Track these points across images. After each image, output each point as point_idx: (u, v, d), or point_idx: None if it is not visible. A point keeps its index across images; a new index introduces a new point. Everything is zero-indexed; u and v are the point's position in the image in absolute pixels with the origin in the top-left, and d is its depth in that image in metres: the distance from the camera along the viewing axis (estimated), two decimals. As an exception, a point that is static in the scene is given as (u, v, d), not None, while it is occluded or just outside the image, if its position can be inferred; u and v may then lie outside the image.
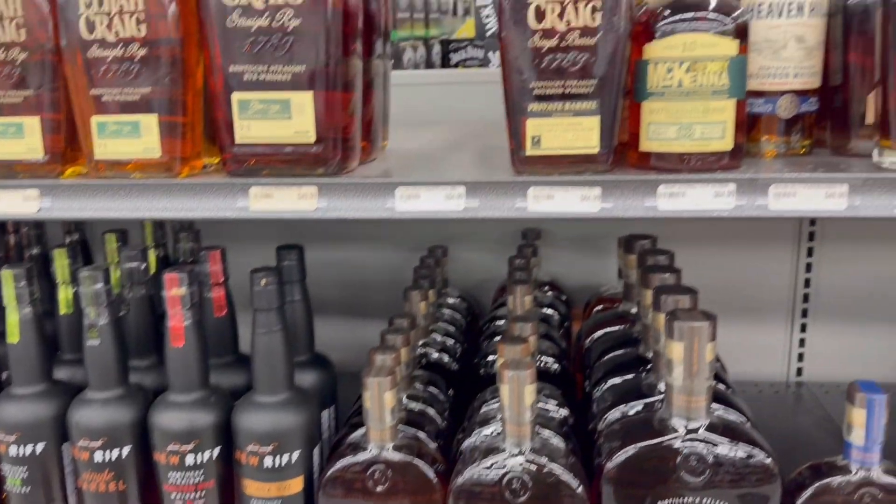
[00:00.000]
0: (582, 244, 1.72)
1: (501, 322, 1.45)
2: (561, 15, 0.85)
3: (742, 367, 1.67)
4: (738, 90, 0.87)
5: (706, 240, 1.63)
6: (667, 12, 0.86)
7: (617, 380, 1.16)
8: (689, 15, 0.85)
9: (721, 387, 1.15)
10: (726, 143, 0.88)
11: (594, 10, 0.84)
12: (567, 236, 1.70)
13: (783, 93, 0.97)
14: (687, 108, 0.86)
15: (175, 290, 0.99)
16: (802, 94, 0.97)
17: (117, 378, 1.05)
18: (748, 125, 0.99)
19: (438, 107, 1.71)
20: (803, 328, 1.71)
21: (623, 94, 0.89)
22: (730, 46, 0.85)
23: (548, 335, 1.39)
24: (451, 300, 1.60)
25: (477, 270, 1.75)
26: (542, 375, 1.21)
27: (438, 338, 1.41)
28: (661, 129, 0.88)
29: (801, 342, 1.73)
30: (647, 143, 0.90)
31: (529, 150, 0.90)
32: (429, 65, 2.45)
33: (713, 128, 0.87)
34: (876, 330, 1.67)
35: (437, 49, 2.48)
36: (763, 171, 0.89)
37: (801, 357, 1.73)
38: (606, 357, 1.25)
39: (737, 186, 0.85)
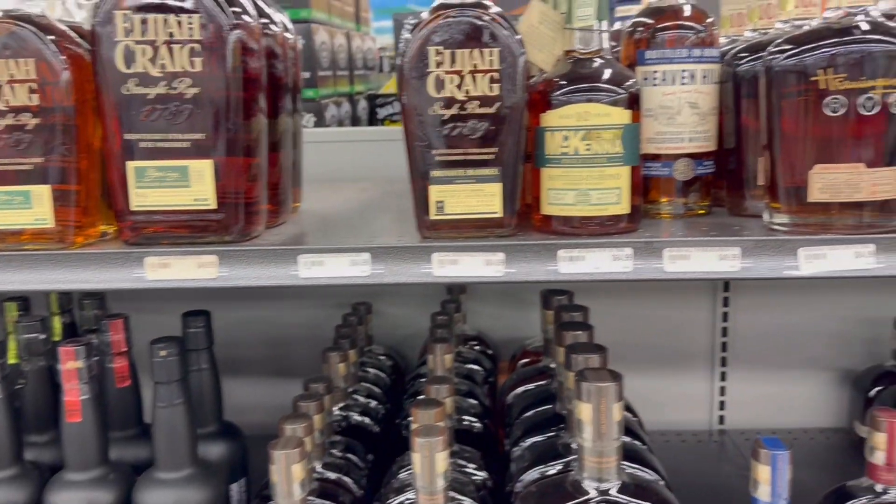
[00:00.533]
0: (507, 297, 1.72)
1: (425, 380, 1.43)
2: (460, 85, 0.86)
3: (667, 417, 1.69)
4: (633, 157, 0.89)
5: (627, 290, 1.65)
6: (562, 83, 0.88)
7: (535, 438, 1.15)
8: (584, 86, 0.88)
9: (637, 443, 1.15)
10: (623, 207, 0.89)
11: (492, 80, 0.86)
12: (492, 289, 1.70)
13: (679, 156, 1.00)
14: (583, 174, 0.88)
15: (70, 363, 0.95)
16: (698, 158, 1.00)
17: (9, 456, 1.00)
18: (647, 187, 1.02)
19: (362, 163, 1.71)
20: (723, 376, 1.74)
21: (524, 160, 0.91)
22: (622, 115, 0.87)
23: (471, 392, 1.38)
24: (375, 358, 1.59)
25: (403, 326, 1.73)
26: (463, 436, 1.20)
27: (361, 399, 1.38)
28: (560, 195, 0.89)
29: (722, 390, 1.75)
30: (548, 208, 0.91)
31: (434, 215, 0.90)
32: (354, 121, 2.47)
33: (609, 193, 0.88)
34: (793, 375, 1.71)
35: (363, 104, 2.50)
36: (661, 233, 0.91)
37: (722, 405, 1.76)
38: (526, 414, 1.24)
39: (633, 250, 0.87)
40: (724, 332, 1.72)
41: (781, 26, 0.94)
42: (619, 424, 0.89)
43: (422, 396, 1.07)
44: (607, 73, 0.89)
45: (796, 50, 0.84)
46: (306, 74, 2.18)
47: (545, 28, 0.94)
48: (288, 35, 1.09)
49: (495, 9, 0.87)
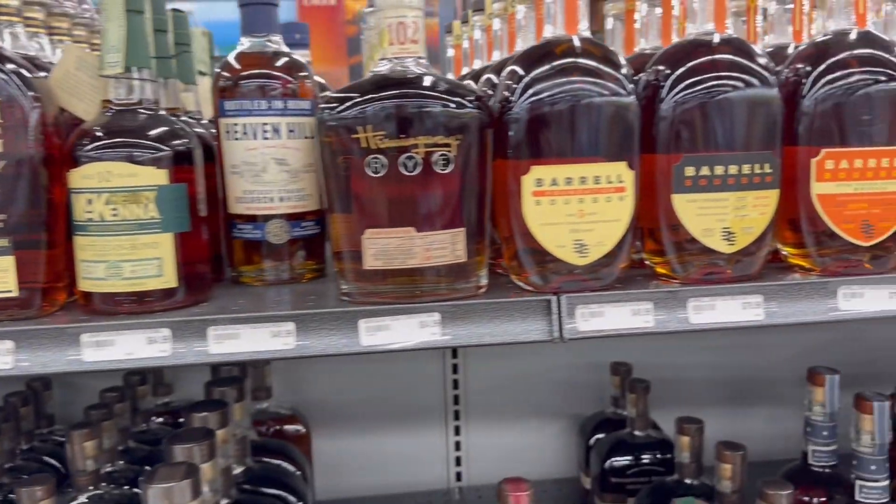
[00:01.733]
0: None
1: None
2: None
3: (405, 478, 1.59)
4: (177, 222, 0.78)
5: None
6: (85, 139, 0.76)
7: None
8: (108, 141, 0.76)
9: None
10: (166, 280, 0.78)
11: (-5, 136, 0.73)
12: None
13: (271, 217, 0.90)
14: (112, 243, 0.76)
15: None
16: (294, 219, 0.91)
17: None
18: (247, 252, 0.92)
19: None
20: (457, 431, 1.67)
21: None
22: (154, 175, 0.76)
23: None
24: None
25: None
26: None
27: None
28: (91, 268, 0.77)
29: (458, 445, 1.68)
30: (83, 283, 0.78)
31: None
32: None
33: (146, 265, 0.77)
34: (528, 425, 1.66)
35: None
36: (252, 304, 0.81)
37: (458, 461, 1.68)
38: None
39: (171, 331, 0.75)
40: (456, 384, 1.65)
41: (383, 66, 0.83)
42: None
43: None
44: (147, 127, 0.78)
45: (341, 104, 0.76)
46: None
47: (84, 74, 0.82)
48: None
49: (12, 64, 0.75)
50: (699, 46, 0.82)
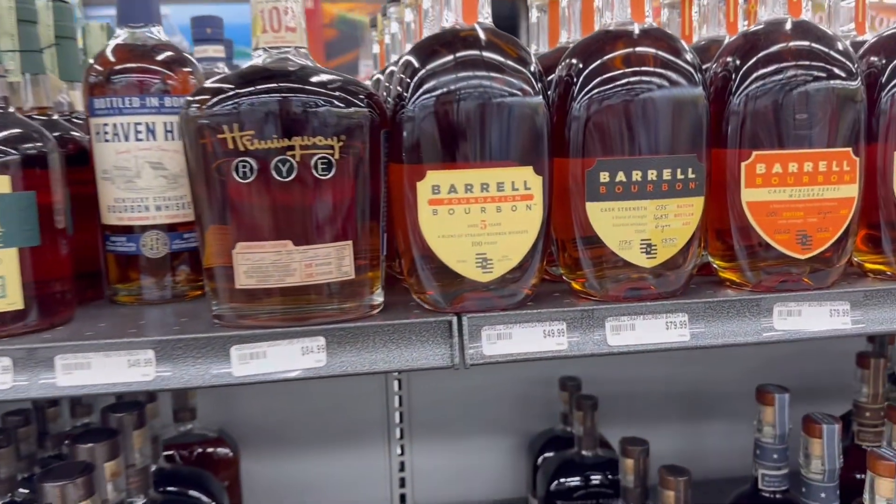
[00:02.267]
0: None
1: None
2: None
3: (345, 502, 1.50)
4: (24, 236, 0.69)
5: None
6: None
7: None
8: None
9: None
10: (11, 302, 0.68)
11: None
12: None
13: (146, 228, 0.81)
14: (-58, 261, 0.66)
15: None
16: (173, 230, 0.81)
17: None
18: (123, 267, 0.82)
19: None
20: (401, 450, 1.58)
21: None
22: (-8, 183, 0.67)
23: None
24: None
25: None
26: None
27: None
28: (-78, 288, 0.67)
29: (402, 466, 1.59)
30: (-86, 306, 0.68)
31: None
32: None
33: (-16, 285, 0.67)
34: (477, 443, 1.57)
35: None
36: (115, 327, 0.72)
37: (402, 482, 1.59)
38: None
39: (12, 361, 0.66)
40: (400, 400, 1.56)
41: (258, 58, 0.72)
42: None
43: None
44: (-8, 130, 0.69)
45: (208, 99, 0.67)
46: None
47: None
48: None
49: None
50: (617, 38, 0.74)
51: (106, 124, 0.80)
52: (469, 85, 0.69)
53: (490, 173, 0.70)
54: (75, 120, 0.92)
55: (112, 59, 0.81)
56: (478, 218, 0.70)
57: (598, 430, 1.24)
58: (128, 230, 0.81)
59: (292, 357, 0.69)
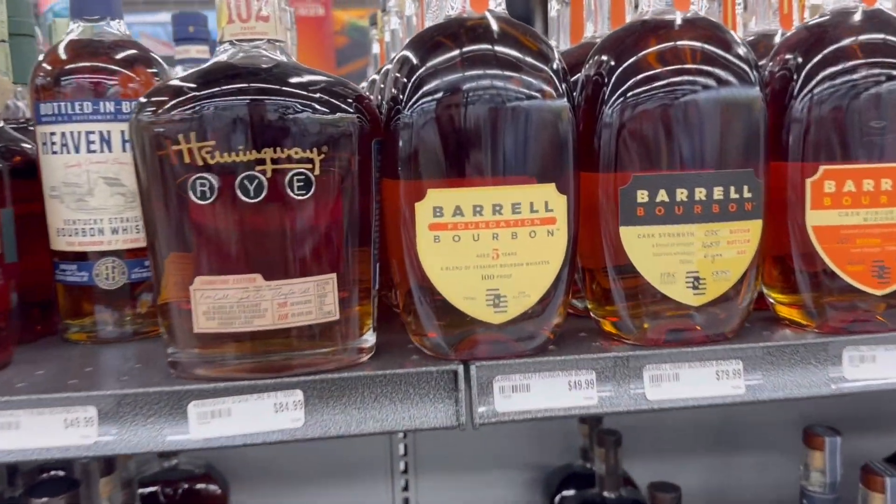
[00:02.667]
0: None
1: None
2: None
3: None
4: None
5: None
6: None
7: None
8: None
9: None
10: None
11: None
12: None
13: (101, 255, 0.69)
14: None
15: None
16: (132, 256, 0.70)
17: None
18: (76, 299, 0.71)
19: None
20: (405, 486, 1.46)
21: None
22: None
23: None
24: None
25: None
26: None
27: None
28: None
29: (406, 502, 1.47)
30: None
31: None
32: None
33: None
34: (486, 480, 1.45)
35: None
36: (56, 374, 0.60)
37: (405, 521, 1.47)
38: None
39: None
40: (405, 431, 1.44)
41: (224, 53, 0.59)
42: None
43: None
44: None
45: (162, 102, 0.55)
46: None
47: None
48: None
49: None
50: (655, 29, 0.62)
51: (53, 133, 0.68)
52: (478, 86, 0.57)
53: (504, 192, 0.58)
54: (30, 128, 0.81)
55: (63, 57, 0.70)
56: (489, 246, 0.58)
57: (622, 466, 1.12)
58: (79, 257, 0.69)
59: (263, 415, 0.57)
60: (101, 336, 0.71)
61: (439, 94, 0.57)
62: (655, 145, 0.60)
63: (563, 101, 0.59)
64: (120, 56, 0.70)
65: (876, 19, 0.64)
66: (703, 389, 0.61)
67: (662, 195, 0.60)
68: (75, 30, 0.71)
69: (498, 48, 0.58)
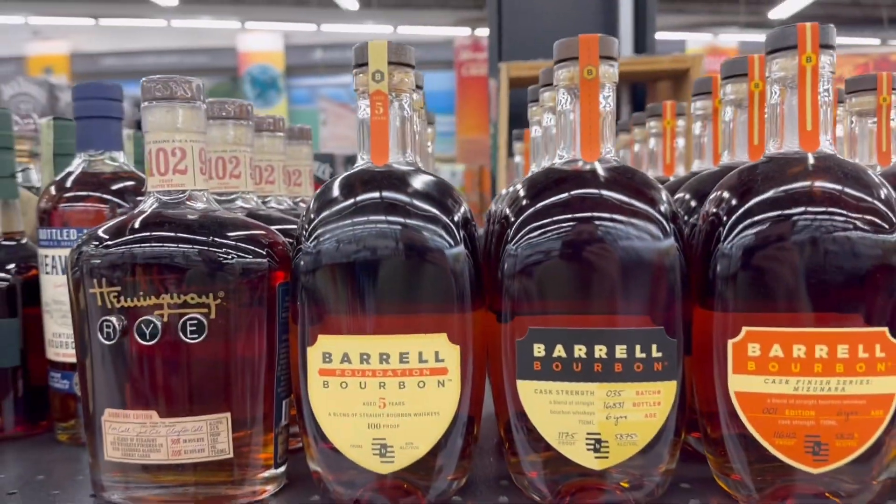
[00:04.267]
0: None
1: None
2: None
3: None
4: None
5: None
6: None
7: None
8: None
9: None
10: None
11: None
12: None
13: (79, 366, 0.76)
14: None
15: None
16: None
17: None
18: (63, 404, 0.78)
19: None
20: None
21: None
22: None
23: None
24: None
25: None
26: None
27: None
28: None
29: None
30: None
31: None
32: None
33: None
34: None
35: None
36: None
37: None
38: None
39: None
40: None
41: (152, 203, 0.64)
42: None
43: None
44: None
45: (95, 244, 0.61)
46: None
47: None
48: None
49: None
50: (551, 173, 0.60)
51: (47, 256, 0.77)
52: (360, 224, 0.58)
53: (389, 341, 0.58)
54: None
55: (65, 186, 0.79)
56: (375, 395, 0.58)
57: None
58: (63, 367, 0.77)
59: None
60: (83, 440, 0.77)
61: (329, 237, 0.58)
62: (555, 293, 0.57)
63: (460, 249, 0.58)
64: (114, 187, 0.79)
65: (823, 165, 0.57)
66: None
67: (559, 350, 0.57)
68: (79, 163, 0.80)
69: (398, 188, 0.59)
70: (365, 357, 0.58)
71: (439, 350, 0.58)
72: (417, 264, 0.58)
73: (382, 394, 0.58)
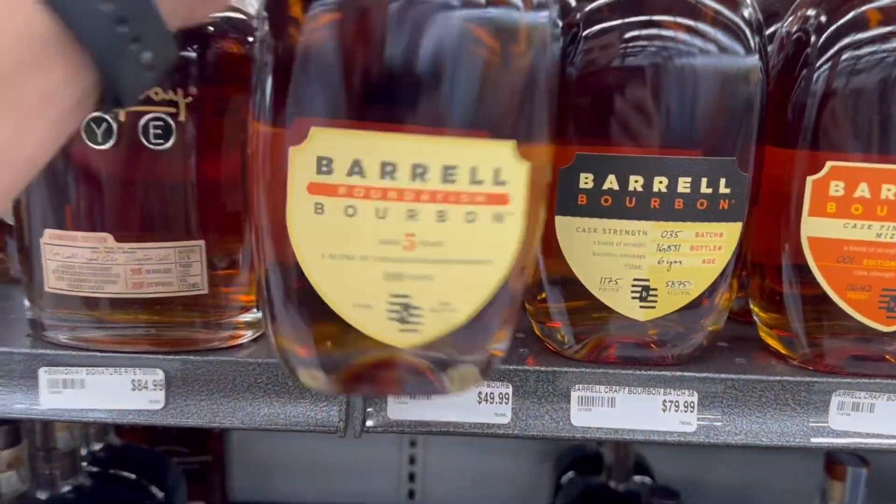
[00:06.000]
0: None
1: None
2: None
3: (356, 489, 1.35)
4: None
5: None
6: None
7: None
8: None
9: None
10: None
11: None
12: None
13: None
14: None
15: None
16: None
17: None
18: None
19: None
20: (413, 443, 1.41)
21: None
22: None
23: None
24: None
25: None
26: None
27: None
28: None
29: (412, 459, 1.42)
30: None
31: None
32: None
33: None
34: (488, 446, 1.38)
35: None
36: None
37: (412, 477, 1.42)
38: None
39: None
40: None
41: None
42: None
43: None
44: None
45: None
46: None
47: None
48: None
49: None
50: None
51: None
52: None
53: (432, 143, 0.38)
54: None
55: None
56: (401, 228, 0.39)
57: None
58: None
59: (119, 392, 0.50)
60: (11, 273, 0.66)
61: None
62: (608, 117, 0.47)
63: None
64: None
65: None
66: (641, 421, 0.50)
67: (611, 181, 0.48)
68: None
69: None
70: (388, 168, 0.38)
71: (502, 166, 0.39)
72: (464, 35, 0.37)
73: (411, 227, 0.39)
